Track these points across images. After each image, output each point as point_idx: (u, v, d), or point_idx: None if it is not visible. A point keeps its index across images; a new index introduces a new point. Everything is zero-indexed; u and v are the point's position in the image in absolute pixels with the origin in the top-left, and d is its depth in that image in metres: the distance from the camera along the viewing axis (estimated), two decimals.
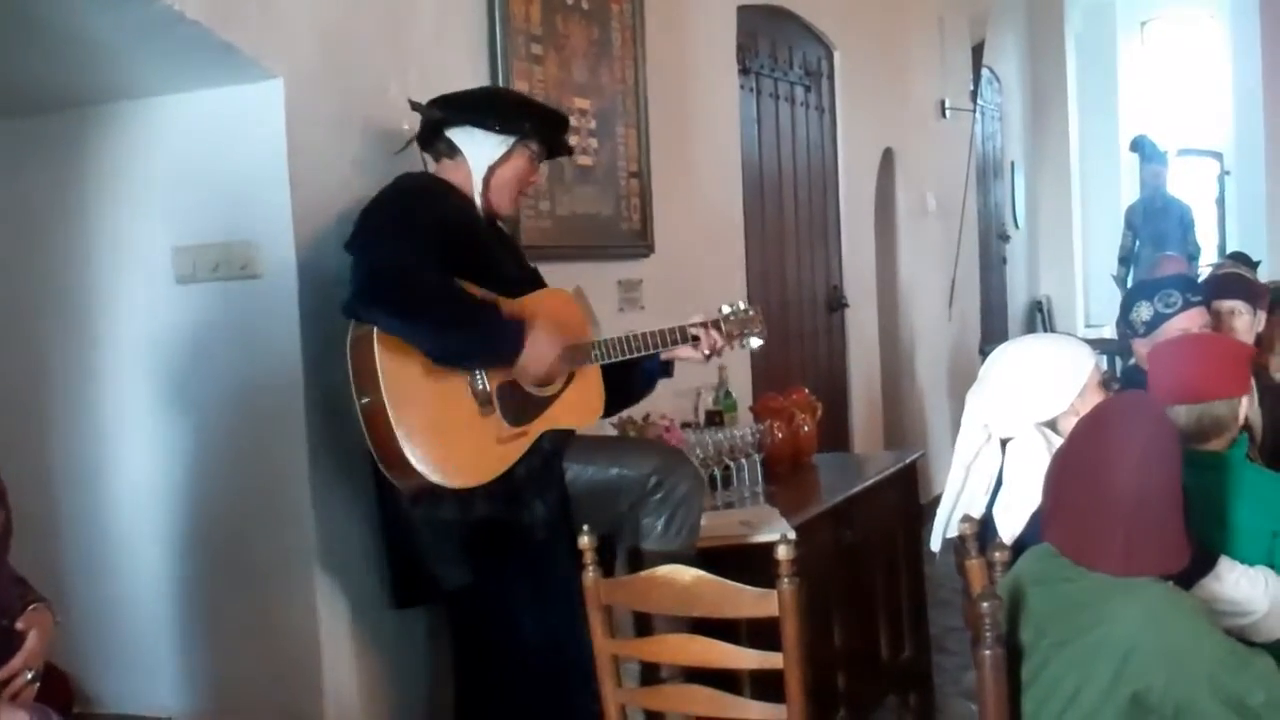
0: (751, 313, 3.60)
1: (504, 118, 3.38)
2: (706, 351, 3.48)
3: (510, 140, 3.35)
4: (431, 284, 3.04)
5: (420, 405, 3.04)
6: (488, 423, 3.12)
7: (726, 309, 3.56)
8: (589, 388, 3.40)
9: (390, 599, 3.32)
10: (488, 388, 3.13)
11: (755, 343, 3.63)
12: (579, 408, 3.35)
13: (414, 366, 3.03)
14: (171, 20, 2.94)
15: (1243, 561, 2.84)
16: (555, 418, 3.24)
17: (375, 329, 3.01)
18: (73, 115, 3.48)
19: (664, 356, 3.52)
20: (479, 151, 3.33)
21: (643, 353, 3.40)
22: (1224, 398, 3.02)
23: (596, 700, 3.02)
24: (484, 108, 3.42)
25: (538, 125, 3.43)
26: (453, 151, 3.35)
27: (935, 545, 3.33)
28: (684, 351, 3.49)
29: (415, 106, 3.38)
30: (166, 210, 3.41)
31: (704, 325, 3.47)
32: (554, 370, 3.20)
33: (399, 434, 2.99)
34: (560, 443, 3.22)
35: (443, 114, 3.35)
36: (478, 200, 3.34)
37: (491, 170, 3.34)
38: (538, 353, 3.14)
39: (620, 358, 3.38)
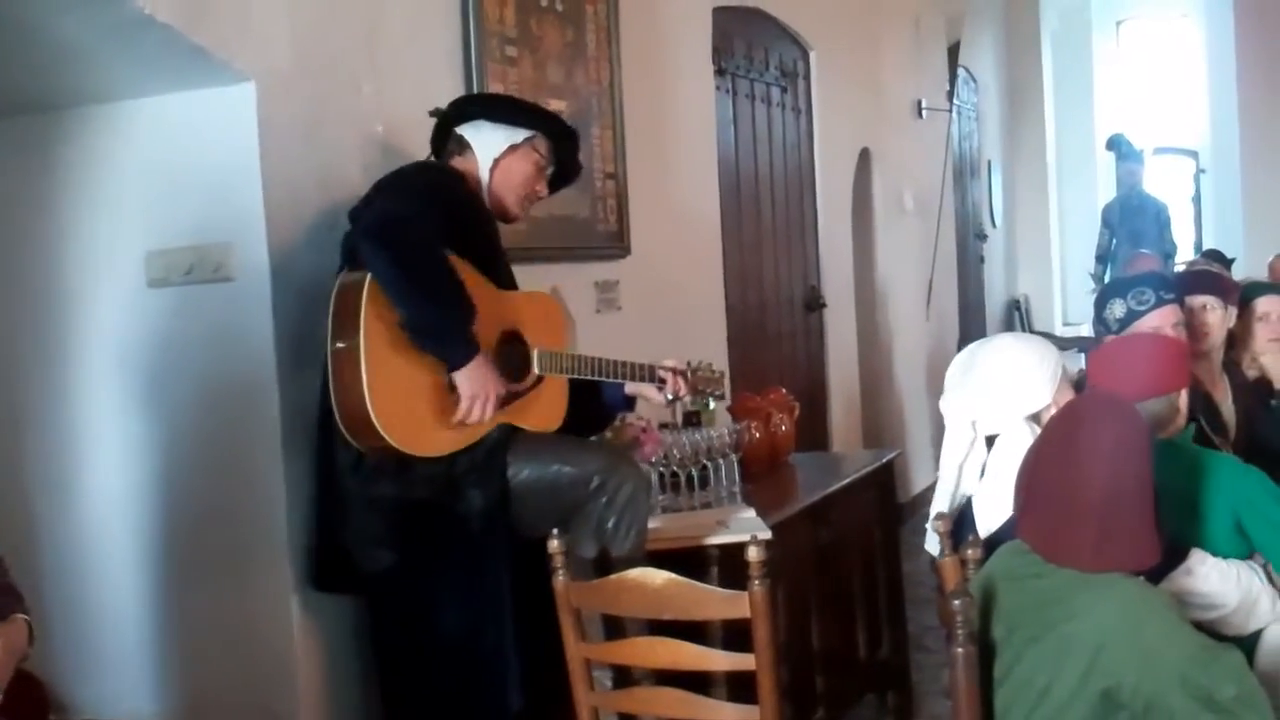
0: (718, 374, 3.73)
1: (514, 112, 3.46)
2: (670, 396, 3.56)
3: (518, 135, 3.39)
4: (434, 251, 3.02)
5: (393, 362, 3.00)
6: (451, 401, 3.09)
7: (694, 361, 3.65)
8: (554, 397, 3.41)
9: (312, 579, 3.29)
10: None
11: (711, 404, 3.83)
12: (540, 413, 3.34)
13: (397, 325, 3.00)
14: (142, 23, 2.93)
15: (1210, 543, 2.87)
16: (515, 416, 3.23)
17: (368, 280, 2.98)
18: (44, 119, 3.46)
19: (629, 391, 3.58)
20: (486, 143, 3.37)
21: (609, 379, 3.46)
22: (1161, 394, 3.05)
23: (513, 697, 3.11)
24: (495, 103, 3.55)
25: (546, 126, 3.48)
26: (462, 148, 3.39)
27: (933, 547, 3.31)
28: (648, 391, 3.56)
29: (434, 114, 3.42)
30: (139, 214, 3.40)
31: (673, 371, 3.55)
32: (482, 411, 3.10)
33: (365, 384, 2.94)
34: (506, 437, 3.19)
35: (454, 110, 3.41)
36: (484, 193, 3.38)
37: (497, 162, 3.38)
38: (470, 382, 3.06)
39: (587, 376, 3.42)
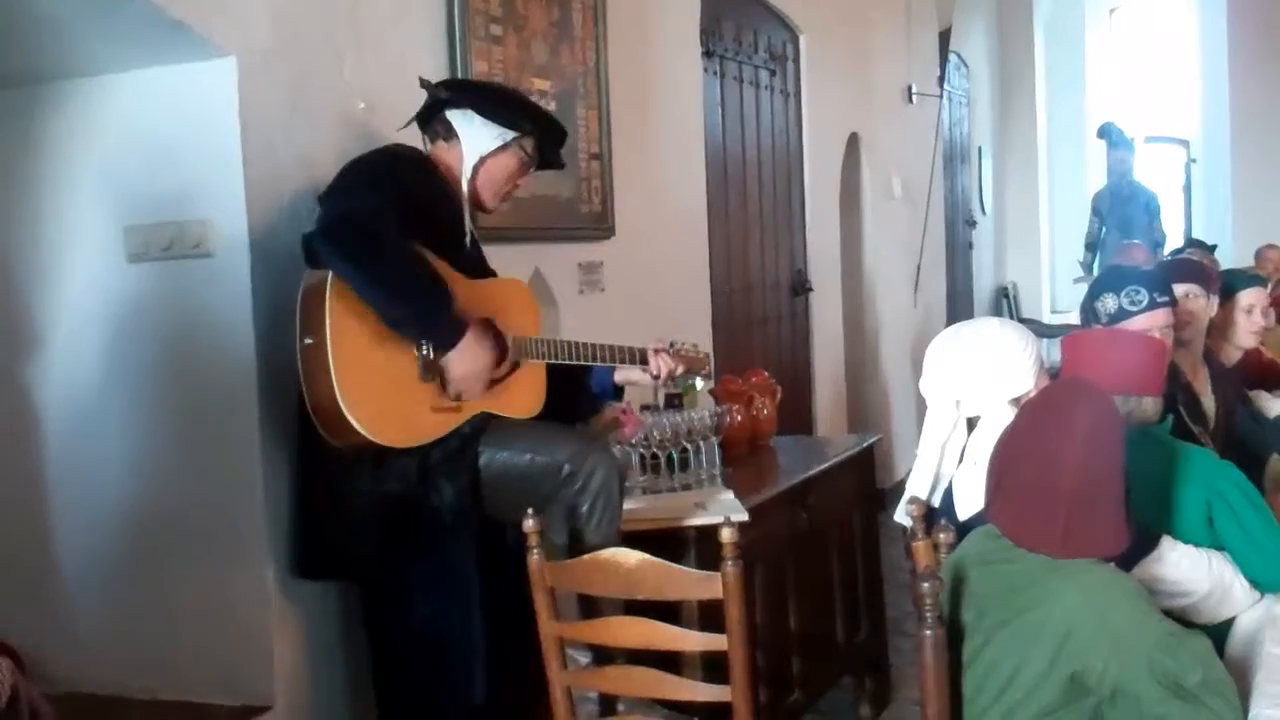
0: (702, 353, 3.68)
1: (507, 110, 3.40)
2: (655, 374, 3.52)
3: (508, 135, 3.36)
4: (392, 241, 3.00)
5: (362, 355, 3.00)
6: (425, 390, 3.10)
7: (677, 342, 3.61)
8: (531, 383, 3.40)
9: (296, 567, 3.29)
10: (433, 355, 3.10)
11: (700, 383, 3.77)
12: (517, 400, 3.33)
13: (364, 318, 2.99)
14: None
15: (1182, 534, 2.87)
16: (493, 403, 3.23)
17: (330, 277, 2.97)
18: (24, 92, 3.45)
19: (617, 379, 3.57)
20: (475, 137, 3.33)
21: (586, 362, 3.43)
22: (1131, 394, 3.00)
23: (478, 690, 3.12)
24: (490, 97, 3.46)
25: (538, 128, 3.44)
26: (449, 134, 3.36)
27: (904, 519, 3.30)
28: (635, 374, 3.55)
29: (424, 84, 3.38)
30: (118, 189, 3.39)
31: (655, 350, 3.52)
32: (473, 388, 3.15)
33: (335, 378, 2.94)
34: (479, 426, 3.19)
35: (448, 94, 3.36)
36: (464, 186, 3.34)
37: (483, 160, 3.35)
38: (464, 363, 3.10)
39: (564, 361, 3.40)
